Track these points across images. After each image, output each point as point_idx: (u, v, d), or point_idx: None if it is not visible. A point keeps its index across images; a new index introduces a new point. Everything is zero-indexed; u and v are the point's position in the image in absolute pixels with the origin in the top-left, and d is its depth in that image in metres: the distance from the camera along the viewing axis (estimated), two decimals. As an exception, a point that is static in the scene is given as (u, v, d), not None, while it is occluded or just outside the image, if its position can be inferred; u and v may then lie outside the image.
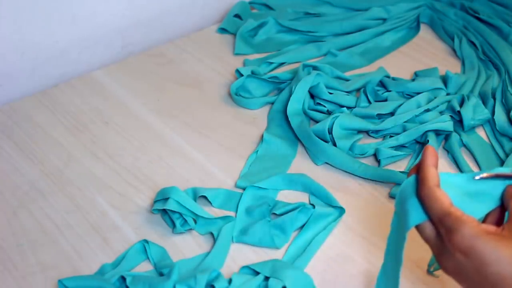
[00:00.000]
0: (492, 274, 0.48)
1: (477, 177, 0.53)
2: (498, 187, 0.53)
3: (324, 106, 0.86)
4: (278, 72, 0.94)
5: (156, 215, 0.73)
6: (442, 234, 0.50)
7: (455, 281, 0.51)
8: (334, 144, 0.80)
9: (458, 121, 0.85)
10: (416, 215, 0.52)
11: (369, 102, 0.87)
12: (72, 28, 0.95)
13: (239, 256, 0.68)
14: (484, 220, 0.54)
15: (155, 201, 0.72)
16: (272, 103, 0.89)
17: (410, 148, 0.82)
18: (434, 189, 0.51)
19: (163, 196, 0.71)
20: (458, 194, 0.53)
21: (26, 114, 0.87)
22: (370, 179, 0.78)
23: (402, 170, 0.78)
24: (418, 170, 0.53)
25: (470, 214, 0.50)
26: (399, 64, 0.98)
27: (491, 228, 0.49)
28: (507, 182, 0.53)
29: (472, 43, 1.01)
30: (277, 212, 0.71)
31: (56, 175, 0.78)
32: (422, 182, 0.52)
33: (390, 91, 0.89)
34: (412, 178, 0.54)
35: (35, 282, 0.65)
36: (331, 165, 0.80)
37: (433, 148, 0.54)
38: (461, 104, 0.85)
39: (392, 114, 0.85)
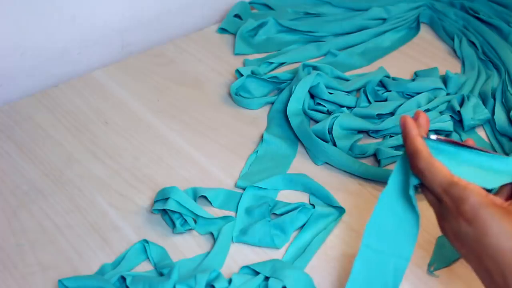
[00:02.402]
0: (491, 245, 0.48)
1: (432, 137, 0.53)
2: (505, 164, 0.53)
3: (324, 106, 0.86)
4: (278, 72, 0.94)
5: (156, 215, 0.73)
6: (446, 202, 0.50)
7: (452, 245, 0.51)
8: (334, 144, 0.80)
9: (458, 121, 0.85)
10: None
11: (369, 102, 0.88)
12: (72, 28, 0.95)
13: (239, 256, 0.68)
14: (495, 194, 0.54)
15: (155, 201, 0.72)
16: (272, 103, 0.89)
17: (410, 148, 0.82)
18: (431, 160, 0.51)
19: (163, 196, 0.71)
20: (460, 163, 0.53)
21: (26, 114, 0.87)
22: (370, 179, 0.78)
23: (402, 170, 0.78)
24: (404, 144, 0.52)
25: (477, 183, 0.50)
26: (399, 64, 0.98)
27: (499, 200, 0.49)
28: None
29: (472, 43, 1.01)
30: (277, 212, 0.72)
31: (56, 175, 0.78)
32: (415, 154, 0.52)
33: (390, 91, 0.89)
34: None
35: (35, 282, 0.65)
36: (331, 165, 0.80)
37: (409, 117, 0.53)
38: (461, 104, 0.85)
39: (392, 114, 0.85)
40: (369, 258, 0.58)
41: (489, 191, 0.51)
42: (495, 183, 0.53)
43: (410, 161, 0.52)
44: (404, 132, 0.53)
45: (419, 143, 0.52)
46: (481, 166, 0.54)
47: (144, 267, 0.67)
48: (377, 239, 0.57)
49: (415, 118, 0.55)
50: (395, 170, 0.56)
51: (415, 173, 0.52)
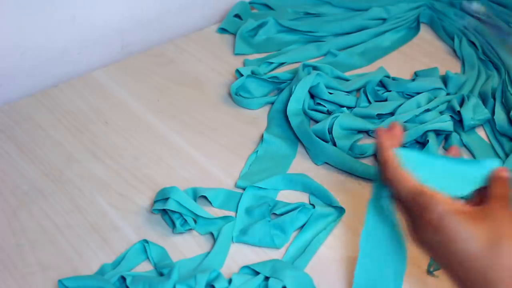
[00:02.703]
0: (459, 250, 0.49)
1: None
2: (477, 168, 0.54)
3: (324, 106, 0.86)
4: (278, 72, 0.94)
5: (156, 215, 0.73)
6: (414, 211, 0.51)
7: (425, 253, 0.52)
8: (334, 144, 0.80)
9: (458, 121, 0.85)
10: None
11: (369, 102, 0.88)
12: (72, 28, 0.95)
13: (239, 256, 0.68)
14: (468, 201, 0.54)
15: (155, 201, 0.72)
16: (272, 103, 0.89)
17: (410, 148, 0.82)
18: (397, 169, 0.52)
19: (163, 196, 0.71)
20: (431, 172, 0.54)
21: (26, 114, 0.87)
22: (370, 179, 0.77)
23: (402, 170, 0.78)
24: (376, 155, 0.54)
25: (446, 192, 0.51)
26: (399, 64, 0.98)
27: (466, 207, 0.50)
28: (489, 164, 0.53)
29: (472, 43, 1.01)
30: (277, 212, 0.71)
31: (56, 175, 0.78)
32: (384, 165, 0.53)
33: (390, 91, 0.89)
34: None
35: (35, 282, 0.65)
36: (331, 165, 0.80)
37: (383, 129, 0.55)
38: (461, 104, 0.85)
39: (392, 114, 0.85)
40: (368, 266, 0.59)
41: (463, 197, 0.53)
42: (464, 190, 0.53)
43: (380, 171, 0.54)
44: (377, 144, 0.55)
45: (388, 154, 0.53)
46: (453, 173, 0.54)
47: (144, 267, 0.67)
48: (372, 247, 0.59)
49: (390, 129, 0.56)
50: (375, 180, 0.57)
51: (385, 183, 0.54)
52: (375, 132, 0.55)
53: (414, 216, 0.52)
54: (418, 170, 0.53)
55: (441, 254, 0.50)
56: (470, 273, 0.49)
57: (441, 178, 0.54)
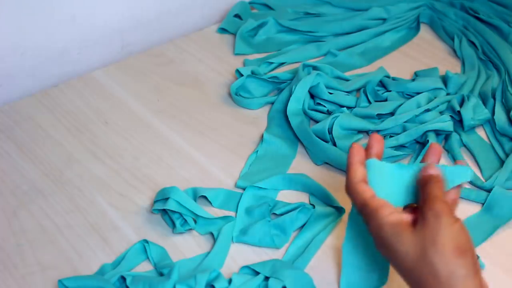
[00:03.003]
0: (394, 265, 0.51)
1: None
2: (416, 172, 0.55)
3: (324, 106, 0.86)
4: (278, 72, 0.94)
5: (156, 215, 0.73)
6: (365, 223, 0.53)
7: None
8: (334, 144, 0.80)
9: (458, 121, 0.85)
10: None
11: (369, 102, 0.87)
12: (72, 28, 0.95)
13: (239, 256, 0.68)
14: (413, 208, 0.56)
15: (155, 201, 0.72)
16: (272, 103, 0.89)
17: (410, 148, 0.82)
18: (355, 184, 0.55)
19: (163, 196, 0.71)
20: (388, 183, 0.55)
21: (26, 114, 0.87)
22: (370, 179, 0.77)
23: (402, 170, 0.78)
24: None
25: (395, 202, 0.53)
26: (399, 64, 0.98)
27: (403, 217, 0.51)
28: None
29: (472, 43, 1.01)
30: (277, 212, 0.71)
31: (56, 175, 0.78)
32: (347, 179, 0.56)
33: (390, 91, 0.89)
34: None
35: (35, 282, 0.65)
36: (331, 165, 0.80)
37: (359, 146, 0.57)
38: (461, 104, 0.85)
39: (392, 114, 0.85)
40: (352, 275, 0.62)
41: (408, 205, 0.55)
42: (409, 198, 0.55)
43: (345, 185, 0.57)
44: (348, 157, 0.57)
45: (352, 170, 0.56)
46: (400, 182, 0.56)
47: (144, 267, 0.67)
48: (354, 256, 0.61)
49: (370, 139, 0.58)
50: None
51: (347, 194, 0.56)
52: (351, 146, 0.58)
53: (367, 226, 0.53)
54: (375, 182, 0.55)
55: (393, 266, 0.52)
56: (410, 284, 0.50)
57: (391, 188, 0.55)
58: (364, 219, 0.54)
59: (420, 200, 0.51)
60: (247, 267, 0.65)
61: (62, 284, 0.63)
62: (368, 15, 1.06)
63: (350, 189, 0.56)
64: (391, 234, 0.50)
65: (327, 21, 1.06)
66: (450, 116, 0.84)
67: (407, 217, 0.51)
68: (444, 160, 0.80)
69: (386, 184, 0.55)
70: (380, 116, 0.84)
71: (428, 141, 0.79)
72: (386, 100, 0.88)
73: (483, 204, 0.74)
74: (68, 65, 0.97)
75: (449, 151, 0.81)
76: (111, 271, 0.65)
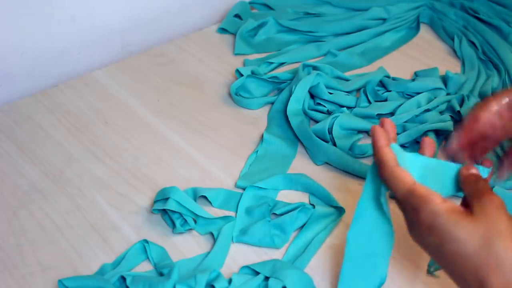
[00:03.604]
0: (449, 251, 0.49)
1: None
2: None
3: (324, 106, 0.86)
4: (278, 72, 0.94)
5: (156, 215, 0.73)
6: (408, 210, 0.52)
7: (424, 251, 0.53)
8: (334, 144, 0.80)
9: (458, 121, 0.85)
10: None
11: (369, 102, 0.88)
12: (72, 28, 0.95)
13: (239, 256, 0.68)
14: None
15: (155, 201, 0.72)
16: (272, 103, 0.89)
17: (410, 148, 0.82)
18: (394, 169, 0.52)
19: (163, 196, 0.71)
20: (424, 171, 0.54)
21: (26, 114, 0.87)
22: (370, 179, 0.77)
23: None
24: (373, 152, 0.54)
25: (438, 191, 0.51)
26: (399, 64, 0.98)
27: (457, 206, 0.50)
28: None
29: (472, 43, 1.01)
30: (277, 212, 0.71)
31: (56, 175, 0.78)
32: (380, 164, 0.53)
33: (390, 91, 0.89)
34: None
35: (35, 282, 0.65)
36: (331, 165, 0.80)
37: (381, 128, 0.55)
38: (461, 104, 0.85)
39: (392, 114, 0.85)
40: (354, 262, 0.60)
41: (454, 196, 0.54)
42: (453, 190, 0.55)
43: (378, 170, 0.54)
44: (372, 142, 0.55)
45: (384, 153, 0.53)
46: (442, 173, 0.55)
47: (144, 267, 0.67)
48: (359, 244, 0.60)
49: (381, 125, 0.56)
50: (367, 179, 0.57)
51: (382, 181, 0.54)
52: (371, 128, 0.56)
53: (410, 216, 0.52)
54: (412, 169, 0.53)
55: (436, 254, 0.51)
56: (464, 272, 0.49)
57: (433, 177, 0.54)
58: (406, 206, 0.52)
59: (473, 193, 0.51)
60: (247, 267, 0.65)
61: (62, 284, 0.63)
62: (368, 15, 1.06)
63: (388, 174, 0.52)
64: (449, 221, 0.49)
65: (327, 21, 1.06)
66: (450, 116, 0.84)
67: (457, 206, 0.51)
68: (442, 158, 0.80)
69: (423, 174, 0.54)
70: (380, 116, 0.84)
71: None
72: (386, 100, 0.88)
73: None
74: (68, 65, 0.97)
75: (449, 151, 0.81)
76: (111, 271, 0.65)
